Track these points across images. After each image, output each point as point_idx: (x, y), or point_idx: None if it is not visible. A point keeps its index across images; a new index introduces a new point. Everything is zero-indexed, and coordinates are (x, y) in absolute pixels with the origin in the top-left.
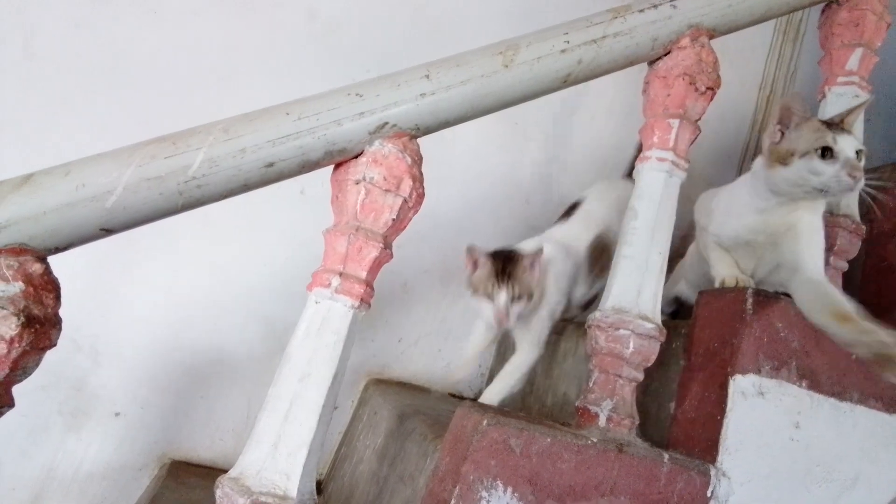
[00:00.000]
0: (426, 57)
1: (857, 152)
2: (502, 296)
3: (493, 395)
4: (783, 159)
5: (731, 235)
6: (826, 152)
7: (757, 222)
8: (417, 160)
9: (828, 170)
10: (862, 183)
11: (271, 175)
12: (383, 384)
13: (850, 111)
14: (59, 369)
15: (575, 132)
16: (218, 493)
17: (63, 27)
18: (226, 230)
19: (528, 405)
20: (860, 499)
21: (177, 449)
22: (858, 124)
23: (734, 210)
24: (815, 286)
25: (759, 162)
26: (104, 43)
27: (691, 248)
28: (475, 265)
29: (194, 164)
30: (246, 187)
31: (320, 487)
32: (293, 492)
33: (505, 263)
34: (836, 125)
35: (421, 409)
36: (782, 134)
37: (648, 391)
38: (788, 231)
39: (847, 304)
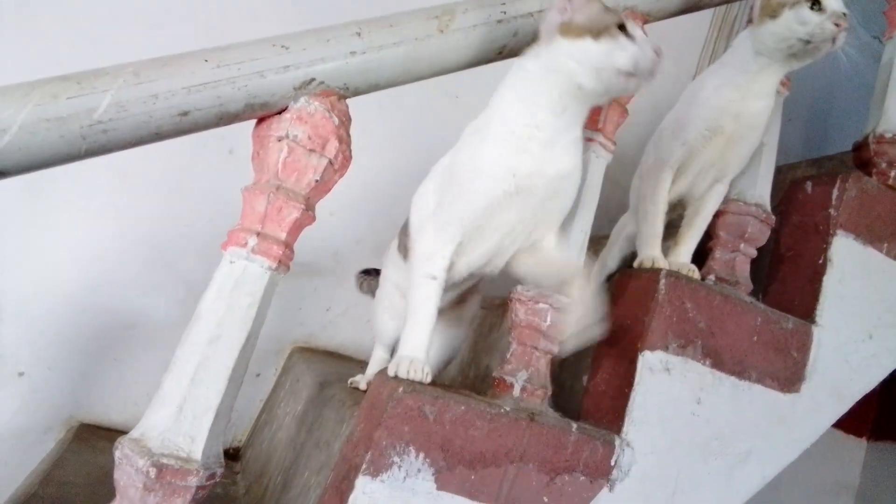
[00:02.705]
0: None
1: (843, 12)
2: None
3: None
4: (774, 11)
5: None
6: (815, 4)
7: None
8: (345, 121)
9: (815, 18)
10: (844, 36)
11: (186, 125)
12: (308, 353)
13: None
14: None
15: None
16: (117, 454)
17: None
18: (147, 186)
19: (451, 377)
20: (752, 472)
21: (86, 412)
22: None
23: None
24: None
25: None
26: None
27: (615, 231)
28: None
29: (100, 106)
30: (157, 136)
31: (239, 454)
32: (197, 454)
33: None
34: None
35: (343, 376)
36: None
37: (564, 365)
38: None
39: None
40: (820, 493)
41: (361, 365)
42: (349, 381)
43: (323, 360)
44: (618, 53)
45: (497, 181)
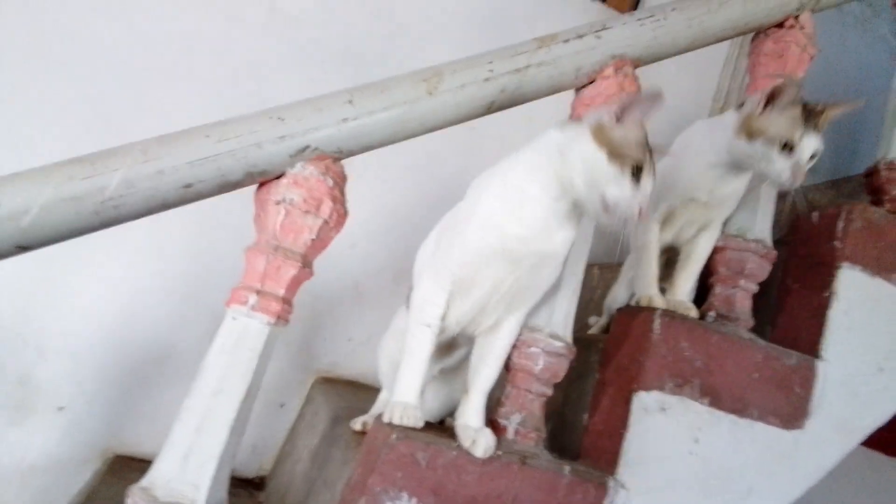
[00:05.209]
0: (386, 54)
1: (813, 154)
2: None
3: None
4: (751, 134)
5: None
6: (786, 147)
7: None
8: (340, 181)
9: (779, 163)
10: (800, 181)
11: (190, 195)
12: (330, 383)
13: (838, 106)
14: (3, 363)
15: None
16: (128, 502)
17: (7, 11)
18: (178, 223)
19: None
20: None
21: (121, 443)
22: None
23: None
24: None
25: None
26: (55, 31)
27: (624, 267)
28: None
29: (111, 185)
30: (164, 206)
31: (263, 483)
32: (202, 501)
33: (810, 113)
34: (812, 119)
35: (357, 411)
36: (764, 107)
37: (567, 402)
38: None
39: None
40: None
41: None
42: (351, 423)
43: (341, 392)
44: (612, 186)
45: (488, 233)
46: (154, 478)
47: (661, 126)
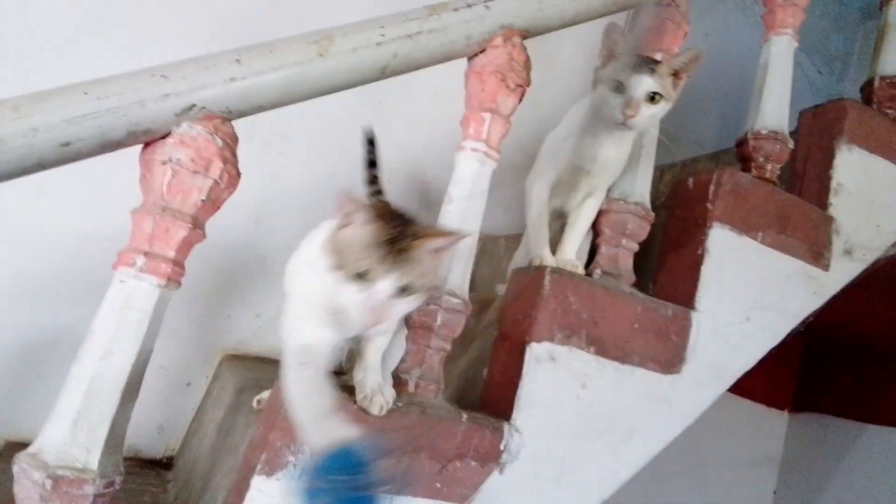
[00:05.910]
0: (295, 26)
1: (654, 95)
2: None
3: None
4: (595, 81)
5: None
6: (618, 86)
7: None
8: (231, 142)
9: (612, 102)
10: (636, 123)
11: (69, 154)
12: (238, 360)
13: (679, 54)
14: None
15: (440, 116)
16: (15, 468)
17: None
18: (65, 199)
19: None
20: (636, 449)
21: (12, 430)
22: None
23: None
24: None
25: None
26: None
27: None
28: (347, 218)
29: None
30: (41, 166)
31: (172, 463)
32: (93, 464)
33: (645, 60)
34: (647, 64)
35: (262, 382)
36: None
37: (470, 361)
38: None
39: None
40: (745, 467)
41: None
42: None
43: (248, 367)
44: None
45: None
46: (43, 443)
47: (561, 100)
